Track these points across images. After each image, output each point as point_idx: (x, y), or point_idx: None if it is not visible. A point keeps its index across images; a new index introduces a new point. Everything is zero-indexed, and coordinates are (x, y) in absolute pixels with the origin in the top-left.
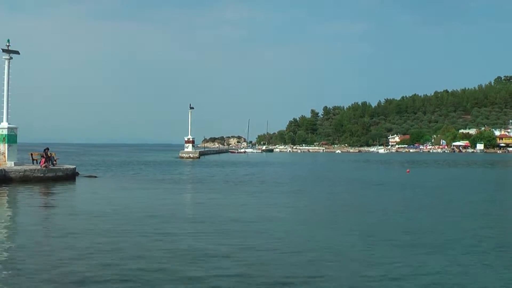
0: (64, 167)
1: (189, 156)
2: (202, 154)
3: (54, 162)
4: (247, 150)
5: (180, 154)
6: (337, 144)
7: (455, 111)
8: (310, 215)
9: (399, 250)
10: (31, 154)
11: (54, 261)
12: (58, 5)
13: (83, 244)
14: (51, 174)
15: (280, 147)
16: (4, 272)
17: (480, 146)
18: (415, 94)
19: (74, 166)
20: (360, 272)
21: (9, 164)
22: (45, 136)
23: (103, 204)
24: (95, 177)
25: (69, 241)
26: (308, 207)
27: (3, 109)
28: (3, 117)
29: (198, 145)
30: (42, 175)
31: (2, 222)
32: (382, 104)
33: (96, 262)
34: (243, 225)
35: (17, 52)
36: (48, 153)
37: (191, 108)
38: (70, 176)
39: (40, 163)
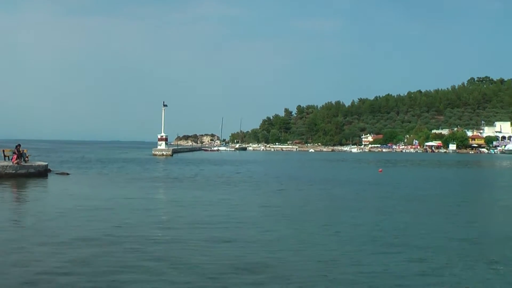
0: (36, 164)
1: (162, 154)
2: (175, 152)
3: (26, 158)
4: (220, 148)
5: (153, 152)
6: (310, 143)
7: (428, 112)
8: (278, 212)
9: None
10: (3, 151)
11: (22, 257)
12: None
13: (53, 240)
14: (23, 170)
15: (254, 145)
16: None
17: (452, 147)
18: (389, 94)
19: (46, 163)
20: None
21: None
22: (16, 132)
23: (73, 201)
24: (67, 174)
25: (39, 239)
26: (277, 205)
27: None
28: None
29: (171, 143)
30: (14, 171)
31: None
32: (355, 103)
33: (65, 258)
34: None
35: None
36: (20, 150)
37: (165, 105)
38: (42, 173)
39: (12, 159)
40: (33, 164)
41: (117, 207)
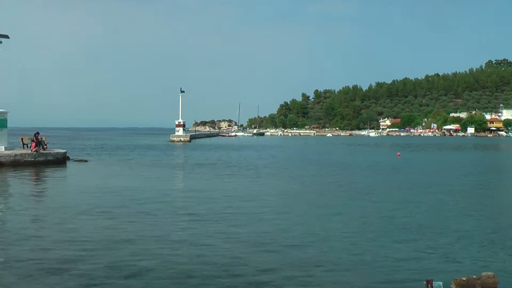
0: (55, 151)
1: (180, 140)
2: (193, 137)
3: (45, 146)
4: (237, 133)
5: (171, 138)
6: (328, 127)
7: (446, 95)
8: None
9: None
10: (22, 139)
11: (44, 245)
12: None
13: (71, 226)
14: (41, 158)
15: (271, 130)
16: None
17: (470, 130)
18: (406, 77)
19: (65, 150)
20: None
21: (0, 149)
22: (36, 120)
23: (92, 188)
24: (86, 161)
25: (59, 227)
26: (296, 190)
27: None
28: None
29: (189, 129)
30: (32, 159)
31: None
32: (373, 87)
33: (83, 247)
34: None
35: (6, 36)
36: (39, 138)
37: (182, 91)
38: (60, 160)
39: (30, 147)
40: (52, 151)
41: (135, 195)
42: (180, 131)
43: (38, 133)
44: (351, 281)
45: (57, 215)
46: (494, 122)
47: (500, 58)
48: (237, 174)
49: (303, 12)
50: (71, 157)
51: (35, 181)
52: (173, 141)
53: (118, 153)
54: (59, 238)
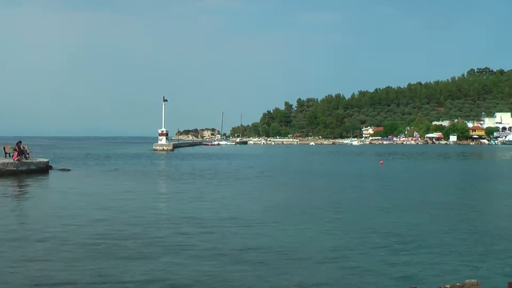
0: (37, 161)
1: (163, 148)
2: (176, 146)
3: (27, 155)
4: (220, 142)
5: (154, 147)
6: (311, 136)
7: (428, 103)
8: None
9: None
10: (4, 148)
11: (24, 254)
12: None
13: (51, 235)
14: (24, 167)
15: (254, 139)
16: None
17: (453, 138)
18: (389, 86)
19: (47, 160)
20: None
21: None
22: (18, 129)
23: (74, 197)
24: (68, 170)
25: (37, 235)
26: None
27: None
28: None
29: (172, 138)
30: (15, 168)
31: None
32: (355, 96)
33: (64, 256)
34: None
35: None
36: (21, 147)
37: (165, 100)
38: (43, 170)
39: (13, 156)
40: (34, 160)
41: (115, 204)
42: (163, 140)
43: (20, 142)
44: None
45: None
46: (476, 130)
47: (482, 66)
48: (225, 184)
49: (286, 22)
50: (53, 166)
51: (17, 191)
52: (156, 150)
53: (101, 162)
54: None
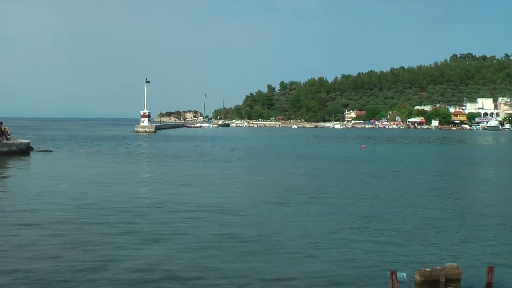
0: (18, 142)
1: (145, 130)
2: (158, 128)
3: (8, 136)
4: (203, 124)
5: (136, 129)
6: (293, 119)
7: (410, 88)
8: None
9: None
10: None
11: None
12: None
13: (31, 218)
14: (4, 148)
15: (237, 122)
16: None
17: (435, 123)
18: (372, 70)
19: (28, 141)
20: None
21: None
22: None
23: (54, 180)
24: (50, 151)
25: (19, 215)
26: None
27: None
28: None
29: (154, 120)
30: None
31: None
32: (338, 80)
33: (44, 233)
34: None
35: None
36: (2, 128)
37: (147, 82)
38: (24, 151)
39: None
40: (15, 142)
41: (99, 183)
42: (145, 122)
43: (1, 123)
44: (315, 273)
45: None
46: (458, 115)
47: (465, 52)
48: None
49: (270, 6)
50: (35, 148)
51: None
52: (138, 131)
53: (82, 144)
54: None
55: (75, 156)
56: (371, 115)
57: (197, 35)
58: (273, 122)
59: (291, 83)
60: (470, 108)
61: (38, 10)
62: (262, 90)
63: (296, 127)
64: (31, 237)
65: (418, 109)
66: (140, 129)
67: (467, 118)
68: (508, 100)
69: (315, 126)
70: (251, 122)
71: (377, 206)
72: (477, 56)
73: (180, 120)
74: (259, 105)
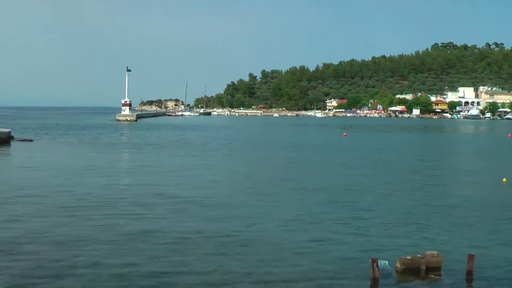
0: None
1: (126, 119)
2: (139, 117)
3: None
4: (184, 113)
5: (117, 117)
6: (274, 108)
7: (392, 77)
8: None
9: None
10: None
11: None
12: None
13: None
14: None
15: (218, 110)
16: None
17: (416, 112)
18: (353, 59)
19: (9, 130)
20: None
21: None
22: None
23: (35, 168)
24: (31, 140)
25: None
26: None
27: None
28: None
29: (135, 108)
30: None
31: None
32: (320, 68)
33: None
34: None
35: None
36: None
37: (128, 70)
38: (4, 140)
39: None
40: None
41: (78, 172)
42: (126, 110)
43: None
44: (296, 263)
45: None
46: (439, 104)
47: (446, 41)
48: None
49: None
50: (15, 137)
51: None
52: (119, 120)
53: (63, 132)
54: None
55: (56, 145)
56: (353, 103)
57: (178, 23)
58: (255, 111)
59: (273, 71)
60: (451, 97)
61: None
62: (243, 79)
63: (277, 115)
64: (9, 228)
65: (399, 97)
66: (121, 117)
67: (448, 107)
68: (489, 89)
69: (297, 115)
70: (232, 110)
71: (358, 195)
72: (458, 45)
73: (162, 108)
74: (240, 94)
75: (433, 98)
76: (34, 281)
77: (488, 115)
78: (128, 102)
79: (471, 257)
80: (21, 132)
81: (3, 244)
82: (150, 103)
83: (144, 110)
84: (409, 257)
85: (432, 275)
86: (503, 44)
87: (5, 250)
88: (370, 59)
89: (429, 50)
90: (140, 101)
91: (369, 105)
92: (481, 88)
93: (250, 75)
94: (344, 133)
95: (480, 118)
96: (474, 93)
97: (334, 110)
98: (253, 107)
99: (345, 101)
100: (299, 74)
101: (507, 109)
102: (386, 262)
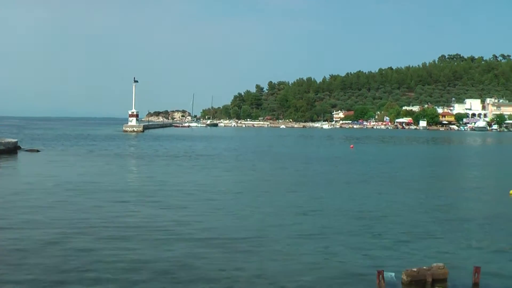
0: (6, 141)
1: (133, 130)
2: (146, 128)
3: None
4: (191, 124)
5: (124, 128)
6: (281, 119)
7: (399, 88)
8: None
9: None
10: None
11: None
12: None
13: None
14: None
15: (225, 121)
16: None
17: (423, 123)
18: (360, 70)
19: (16, 140)
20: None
21: None
22: None
23: (42, 179)
24: (38, 151)
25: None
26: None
27: None
28: None
29: (142, 119)
30: None
31: None
32: (327, 80)
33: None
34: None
35: None
36: None
37: (135, 81)
38: (12, 150)
39: None
40: (3, 141)
41: (84, 185)
42: (133, 121)
43: None
44: (302, 273)
45: None
46: (446, 116)
47: (453, 53)
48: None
49: (259, 6)
50: (22, 147)
51: None
52: (126, 131)
53: (70, 143)
54: None
55: (63, 155)
56: (359, 115)
57: (185, 34)
58: (262, 122)
59: (280, 83)
60: (458, 108)
61: (25, 10)
62: (250, 90)
63: (284, 127)
64: (10, 240)
65: (406, 109)
66: (128, 128)
67: (455, 118)
68: (496, 101)
69: (303, 126)
70: (239, 122)
71: (363, 206)
72: (465, 57)
73: (168, 119)
74: (247, 105)
75: (440, 110)
76: None
77: (495, 127)
78: (135, 112)
79: (477, 269)
80: (28, 142)
81: None
82: (157, 114)
83: (151, 121)
84: (415, 269)
85: (438, 287)
86: (510, 55)
87: None
88: (377, 70)
89: (436, 62)
90: (147, 112)
91: (376, 117)
92: (488, 100)
93: (257, 86)
94: (351, 145)
95: (487, 130)
96: (481, 105)
97: (341, 122)
98: (260, 118)
99: (352, 112)
100: (306, 86)
101: None
102: (393, 274)
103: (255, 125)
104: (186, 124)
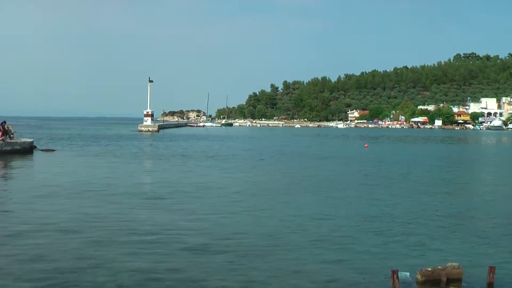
0: (22, 141)
1: (148, 130)
2: (161, 128)
3: (12, 135)
4: (206, 124)
5: (139, 128)
6: (296, 119)
7: (414, 87)
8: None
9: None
10: None
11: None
12: None
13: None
14: (8, 147)
15: (240, 121)
16: None
17: (438, 122)
18: (375, 70)
19: (32, 140)
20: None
21: None
22: (2, 109)
23: (58, 178)
24: (53, 150)
25: (23, 214)
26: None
27: None
28: None
29: (157, 119)
30: None
31: None
32: (341, 79)
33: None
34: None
35: None
36: (5, 127)
37: (150, 81)
38: (27, 150)
39: None
40: (19, 141)
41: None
42: (148, 121)
43: (4, 122)
44: (316, 272)
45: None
46: (462, 115)
47: (468, 52)
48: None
49: (272, 5)
50: (38, 147)
51: (1, 172)
52: (141, 131)
53: (86, 143)
54: None
55: (78, 155)
56: (374, 114)
57: (200, 34)
58: (276, 122)
59: (294, 82)
60: (473, 107)
61: (39, 11)
62: (265, 90)
63: (299, 126)
64: (31, 240)
65: (421, 108)
66: (143, 128)
67: (470, 118)
68: None
69: (318, 126)
70: (254, 121)
71: (378, 205)
72: (481, 55)
73: (183, 119)
74: (262, 105)
75: (455, 109)
76: None
77: (510, 126)
78: (150, 112)
79: (492, 269)
80: (46, 142)
81: None
82: (172, 113)
83: (166, 120)
84: (429, 269)
85: (452, 287)
86: None
87: None
88: (392, 70)
89: (451, 60)
90: (162, 112)
91: (391, 116)
92: (503, 98)
93: (272, 86)
94: (366, 145)
95: (503, 129)
96: (497, 103)
97: (356, 121)
98: (274, 118)
99: (367, 112)
100: (321, 85)
101: None
102: (407, 273)
103: (270, 125)
104: (201, 124)
